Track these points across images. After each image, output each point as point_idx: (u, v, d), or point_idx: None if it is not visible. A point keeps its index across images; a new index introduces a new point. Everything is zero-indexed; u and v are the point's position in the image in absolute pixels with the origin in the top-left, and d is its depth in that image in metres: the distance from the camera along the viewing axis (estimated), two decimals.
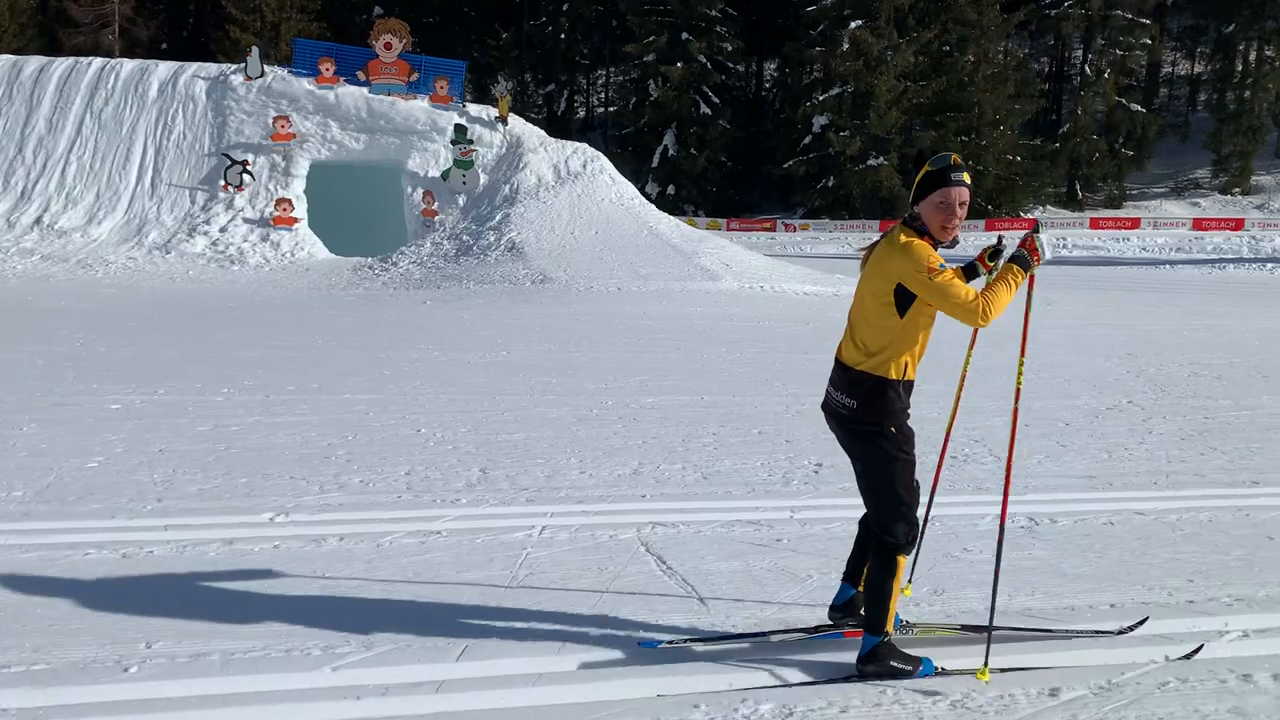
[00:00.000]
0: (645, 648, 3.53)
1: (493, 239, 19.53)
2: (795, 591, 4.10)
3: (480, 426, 7.06)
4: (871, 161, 50.55)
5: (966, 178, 3.25)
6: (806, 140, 51.43)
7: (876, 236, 3.61)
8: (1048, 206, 53.66)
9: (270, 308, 15.10)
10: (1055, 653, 3.48)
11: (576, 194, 20.93)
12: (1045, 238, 3.36)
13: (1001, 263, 3.43)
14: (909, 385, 3.35)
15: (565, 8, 57.23)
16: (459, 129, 22.39)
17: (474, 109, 23.60)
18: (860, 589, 3.61)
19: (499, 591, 3.98)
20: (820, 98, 50.43)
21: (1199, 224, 49.09)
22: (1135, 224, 49.79)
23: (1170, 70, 61.13)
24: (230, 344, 11.04)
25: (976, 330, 3.44)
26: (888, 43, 49.10)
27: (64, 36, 50.18)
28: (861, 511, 3.57)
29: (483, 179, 22.00)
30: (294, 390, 8.29)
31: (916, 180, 3.29)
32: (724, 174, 54.46)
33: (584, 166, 21.76)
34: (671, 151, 52.72)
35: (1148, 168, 56.76)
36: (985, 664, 3.28)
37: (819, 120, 51.02)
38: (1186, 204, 53.58)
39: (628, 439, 6.76)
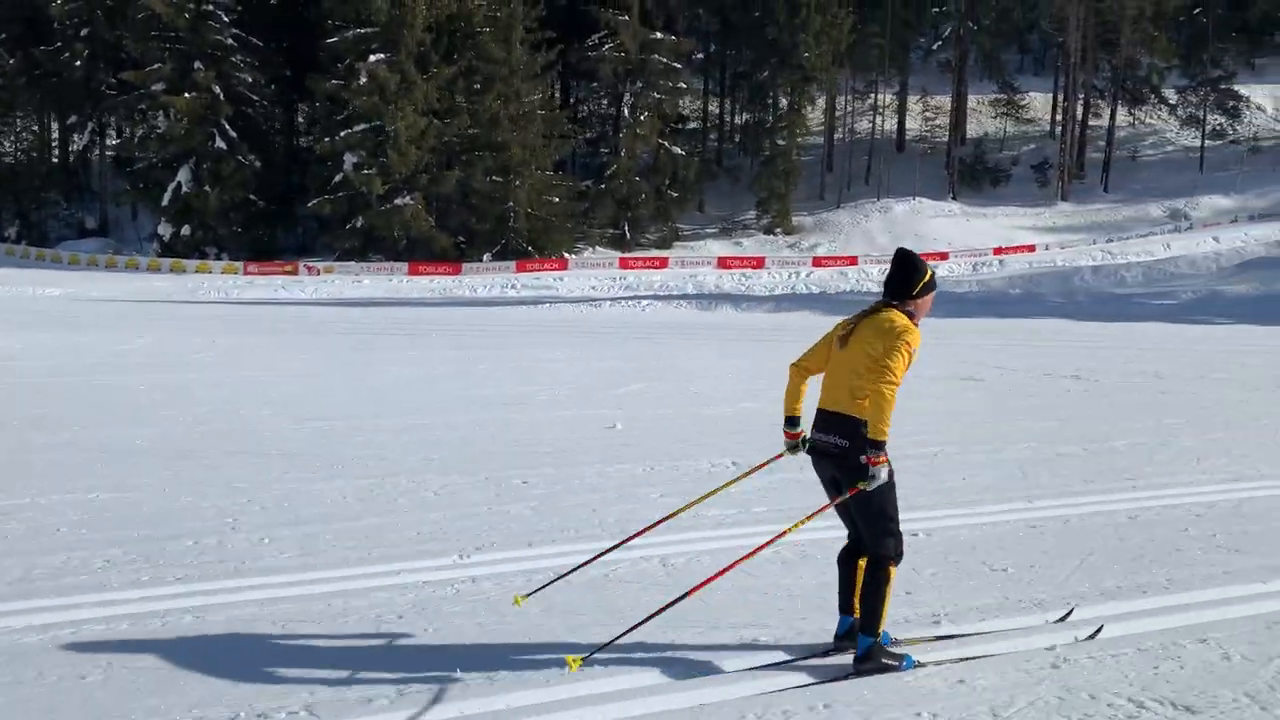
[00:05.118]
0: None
1: None
2: None
3: None
4: (399, 201, 48.16)
5: None
6: (338, 178, 48.45)
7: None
8: (596, 247, 53.05)
9: None
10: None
11: None
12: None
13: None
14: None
15: (85, 32, 52.04)
16: None
17: None
18: (856, 616, 4.26)
19: None
20: (343, 134, 47.67)
21: (723, 262, 49.73)
22: (664, 263, 49.82)
23: (732, 117, 62.98)
24: None
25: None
26: (405, 78, 47.09)
27: None
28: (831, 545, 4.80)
29: None
30: None
31: (923, 283, 4.16)
32: (252, 213, 50.53)
33: None
34: (185, 188, 48.33)
35: (705, 209, 57.65)
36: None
37: (350, 158, 48.23)
38: (731, 243, 54.45)
39: None
